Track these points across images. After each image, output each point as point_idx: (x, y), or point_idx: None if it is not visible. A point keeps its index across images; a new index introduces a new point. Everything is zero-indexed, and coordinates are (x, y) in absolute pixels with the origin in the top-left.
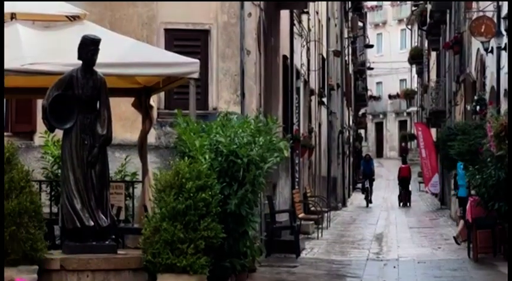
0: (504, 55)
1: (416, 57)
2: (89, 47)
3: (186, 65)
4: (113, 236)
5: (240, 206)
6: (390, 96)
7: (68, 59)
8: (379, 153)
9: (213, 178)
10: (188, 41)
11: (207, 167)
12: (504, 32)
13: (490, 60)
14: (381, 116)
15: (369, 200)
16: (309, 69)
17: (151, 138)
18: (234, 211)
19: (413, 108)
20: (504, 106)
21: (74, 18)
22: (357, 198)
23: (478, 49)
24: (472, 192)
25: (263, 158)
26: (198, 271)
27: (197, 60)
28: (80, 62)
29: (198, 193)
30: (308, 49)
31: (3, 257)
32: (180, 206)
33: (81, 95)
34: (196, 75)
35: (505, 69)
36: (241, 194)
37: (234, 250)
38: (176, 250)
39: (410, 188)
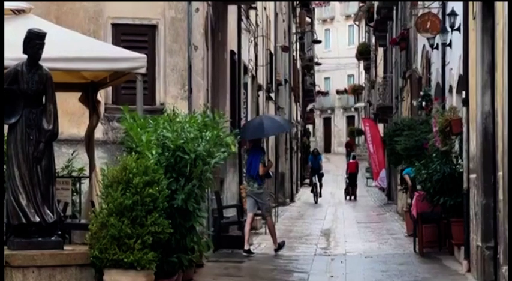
0: (449, 51)
1: (363, 53)
2: (34, 41)
3: (133, 60)
4: (59, 232)
5: (187, 201)
6: (338, 92)
7: (13, 53)
8: (327, 148)
9: (160, 173)
10: (135, 36)
11: (154, 162)
12: (449, 29)
13: (436, 57)
14: (329, 111)
15: (317, 196)
16: (256, 65)
17: (99, 133)
18: (181, 206)
19: (360, 104)
20: (449, 102)
21: (19, 12)
22: (305, 193)
23: (424, 45)
24: (418, 187)
25: (210, 153)
26: (145, 267)
27: (144, 56)
28: (25, 56)
29: (145, 188)
30: (256, 44)
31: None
32: (127, 201)
33: (26, 90)
34: (143, 71)
35: (450, 66)
36: (189, 189)
37: (181, 245)
38: (123, 246)
39: (357, 183)
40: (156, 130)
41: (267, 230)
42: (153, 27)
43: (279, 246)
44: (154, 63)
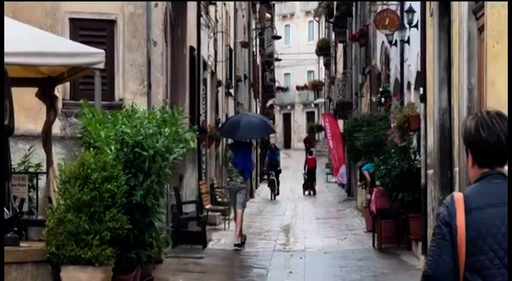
0: (407, 48)
1: (323, 49)
2: None
3: (91, 55)
4: (15, 229)
5: (145, 197)
6: (298, 88)
7: None
8: (287, 144)
9: (118, 169)
10: (94, 31)
11: (113, 158)
12: (407, 25)
13: (394, 53)
14: (289, 107)
15: (275, 193)
16: (216, 61)
17: (56, 129)
18: (140, 202)
19: (320, 100)
20: (407, 98)
21: None
22: (264, 189)
23: (383, 42)
24: (377, 183)
25: (169, 149)
26: (103, 263)
27: (102, 51)
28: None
29: (104, 184)
30: (215, 40)
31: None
32: (85, 197)
33: None
34: (101, 66)
35: (408, 62)
36: (147, 185)
37: (140, 241)
38: (81, 242)
39: (316, 178)
40: (115, 126)
41: (227, 227)
42: (111, 23)
43: (242, 243)
44: (112, 58)
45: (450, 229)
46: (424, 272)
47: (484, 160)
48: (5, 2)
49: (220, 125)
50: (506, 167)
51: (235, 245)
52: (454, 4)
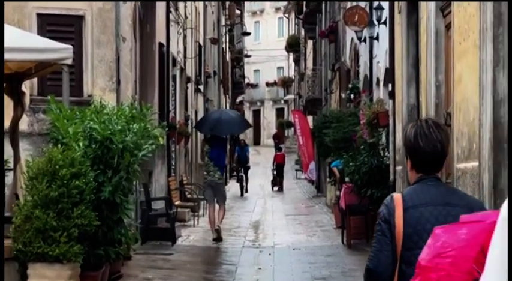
0: (376, 44)
1: (293, 46)
2: None
3: (59, 50)
4: None
5: (114, 193)
6: (268, 84)
7: None
8: (257, 141)
9: (86, 165)
10: (62, 26)
11: (81, 154)
12: (376, 22)
13: (363, 50)
14: (259, 103)
15: (244, 189)
16: (185, 57)
17: (24, 125)
18: (108, 198)
19: (290, 96)
20: (376, 94)
21: None
22: (234, 185)
23: (352, 38)
24: (346, 179)
25: (138, 146)
26: (71, 260)
27: (70, 46)
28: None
29: (72, 180)
30: (185, 36)
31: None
32: (53, 193)
33: None
34: (69, 62)
35: (377, 58)
36: (116, 182)
37: (108, 237)
38: (48, 239)
39: (284, 174)
40: (83, 122)
41: (196, 223)
42: (80, 18)
43: (218, 235)
44: (81, 54)
45: (389, 226)
46: (366, 267)
47: (421, 166)
48: None
49: (190, 121)
50: (439, 173)
51: (216, 239)
52: (422, 2)
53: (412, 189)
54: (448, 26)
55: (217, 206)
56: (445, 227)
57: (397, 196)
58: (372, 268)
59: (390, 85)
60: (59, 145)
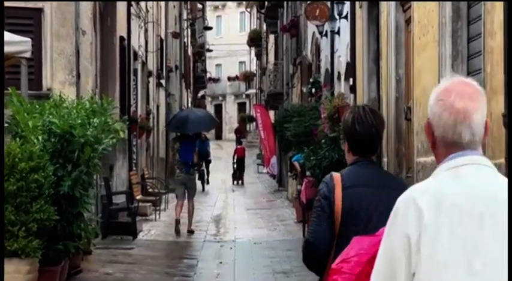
0: (337, 39)
1: (255, 40)
2: None
3: (17, 43)
4: None
5: (74, 187)
6: (229, 79)
7: None
8: (218, 135)
9: (46, 159)
10: (20, 19)
11: (40, 148)
12: (337, 16)
13: (325, 44)
14: (220, 98)
15: (205, 183)
16: (146, 51)
17: None
18: (68, 192)
19: (252, 91)
20: (337, 88)
21: None
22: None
23: (314, 33)
24: (307, 173)
25: (98, 140)
26: (29, 255)
27: (29, 39)
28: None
29: (30, 174)
30: (146, 30)
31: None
32: (11, 187)
33: None
34: (28, 55)
35: (338, 53)
36: (75, 176)
37: (67, 232)
38: (6, 233)
39: (244, 168)
40: (42, 115)
41: (158, 217)
42: (38, 11)
43: (191, 231)
44: (40, 47)
45: (329, 202)
46: (306, 240)
47: (357, 148)
48: None
49: (152, 115)
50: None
51: (189, 231)
52: None
53: (349, 170)
54: (408, 21)
55: (186, 201)
56: (360, 237)
57: (336, 175)
58: (311, 240)
59: (351, 79)
60: (18, 139)
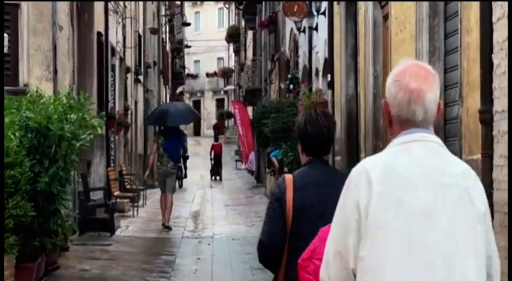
0: (315, 35)
1: (233, 36)
2: None
3: None
4: None
5: (51, 183)
6: (208, 75)
7: None
8: (197, 131)
9: (22, 155)
10: None
11: (17, 144)
12: (315, 13)
13: (303, 40)
14: (199, 94)
15: (181, 179)
16: (124, 47)
17: None
18: (45, 188)
19: (230, 87)
20: (315, 85)
21: None
22: None
23: (292, 29)
24: (285, 169)
25: (75, 135)
26: (6, 251)
27: (5, 35)
28: None
29: (7, 170)
30: (124, 26)
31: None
32: None
33: None
34: (4, 50)
35: (316, 49)
36: (53, 172)
37: (44, 228)
38: None
39: (222, 164)
40: (19, 111)
41: (136, 214)
42: (15, 6)
43: (168, 227)
44: (17, 43)
45: (280, 203)
46: (259, 241)
47: (310, 149)
48: None
49: (130, 111)
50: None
51: (166, 227)
52: None
53: (302, 171)
54: (386, 17)
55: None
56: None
57: (288, 177)
58: (264, 241)
59: (329, 75)
60: None
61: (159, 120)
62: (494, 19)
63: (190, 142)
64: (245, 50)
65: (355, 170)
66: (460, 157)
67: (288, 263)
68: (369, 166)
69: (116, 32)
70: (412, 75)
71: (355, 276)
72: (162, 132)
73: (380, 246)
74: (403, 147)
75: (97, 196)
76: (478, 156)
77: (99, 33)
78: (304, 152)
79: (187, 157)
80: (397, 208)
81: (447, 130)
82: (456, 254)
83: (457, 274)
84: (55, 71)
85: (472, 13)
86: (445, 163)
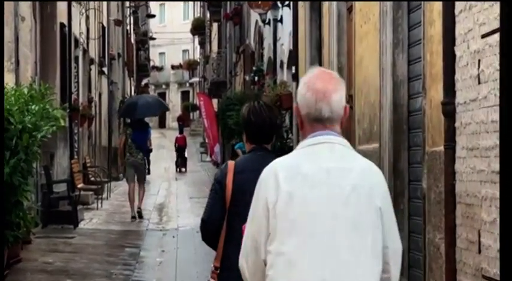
0: (280, 27)
1: (198, 28)
2: None
3: None
4: None
5: (12, 175)
6: (173, 67)
7: None
8: (162, 123)
9: None
10: None
11: None
12: (279, 5)
13: (267, 32)
14: (164, 86)
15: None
16: (88, 38)
17: None
18: (6, 180)
19: (195, 79)
20: (280, 77)
21: None
22: None
23: (257, 21)
24: None
25: (37, 127)
26: None
27: None
28: None
29: None
30: (87, 17)
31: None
32: None
33: None
34: None
35: (280, 41)
36: (14, 163)
37: (6, 221)
38: None
39: (186, 155)
40: None
41: (100, 206)
42: None
43: (136, 216)
44: None
45: (221, 186)
46: (201, 218)
47: (253, 138)
48: None
49: (94, 103)
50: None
51: (139, 216)
52: None
53: (244, 157)
54: (350, 9)
55: (137, 186)
56: None
57: (230, 163)
58: (205, 218)
59: (294, 67)
60: None
61: (128, 113)
62: (456, 11)
63: (156, 134)
64: (210, 42)
65: (265, 171)
66: (424, 149)
67: (226, 238)
68: (277, 167)
69: (80, 23)
70: (319, 78)
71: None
72: (130, 124)
73: (287, 241)
74: (309, 149)
75: (60, 188)
76: (441, 148)
77: (62, 25)
78: (248, 140)
79: (151, 150)
80: (302, 206)
81: (411, 122)
82: (355, 244)
83: (354, 261)
84: (17, 62)
85: (434, 5)
86: (348, 163)
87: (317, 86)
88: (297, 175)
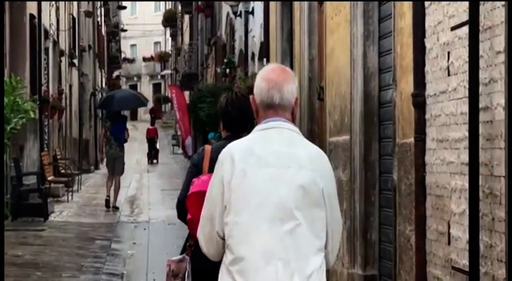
0: (251, 19)
1: (170, 20)
2: None
3: None
4: None
5: None
6: (144, 59)
7: None
8: (134, 116)
9: None
10: None
11: None
12: None
13: (239, 24)
14: (135, 78)
15: None
16: (58, 30)
17: None
18: None
19: (167, 71)
20: (251, 69)
21: None
22: None
23: (228, 13)
24: None
25: (6, 119)
26: None
27: None
28: None
29: None
30: (57, 9)
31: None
32: None
33: None
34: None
35: (252, 33)
36: None
37: None
38: None
39: (158, 147)
40: None
41: (70, 198)
42: None
43: (116, 207)
44: None
45: (197, 169)
46: (177, 198)
47: (229, 126)
48: None
49: (64, 95)
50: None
51: (113, 207)
52: None
53: (219, 143)
54: (321, 1)
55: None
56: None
57: (207, 148)
58: (181, 198)
59: (265, 59)
60: None
61: (105, 105)
62: (426, 4)
63: (127, 127)
64: (182, 35)
65: (223, 153)
66: (394, 140)
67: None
68: (233, 149)
69: (50, 15)
70: (273, 71)
71: (220, 238)
72: (109, 117)
73: (239, 213)
74: (262, 133)
75: (30, 180)
76: (411, 139)
77: (31, 16)
78: (225, 128)
79: (126, 141)
80: (253, 181)
81: (381, 114)
82: (298, 217)
83: (297, 231)
84: None
85: None
86: (296, 147)
87: (270, 76)
88: (250, 156)
